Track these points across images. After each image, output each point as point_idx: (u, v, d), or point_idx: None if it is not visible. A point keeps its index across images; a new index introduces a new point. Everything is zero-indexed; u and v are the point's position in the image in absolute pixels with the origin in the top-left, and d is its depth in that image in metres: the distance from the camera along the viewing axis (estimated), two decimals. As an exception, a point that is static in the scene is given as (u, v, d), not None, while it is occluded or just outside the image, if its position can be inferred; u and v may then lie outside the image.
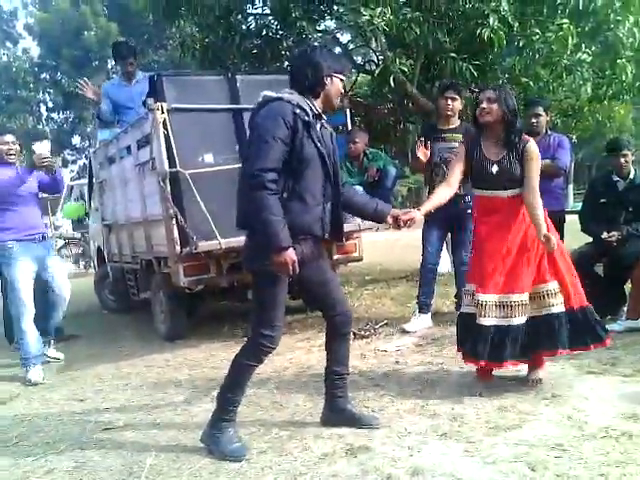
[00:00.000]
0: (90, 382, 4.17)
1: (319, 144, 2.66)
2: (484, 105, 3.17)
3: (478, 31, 5.84)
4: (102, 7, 23.99)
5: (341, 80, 2.77)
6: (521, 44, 6.16)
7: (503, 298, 3.13)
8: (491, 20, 5.77)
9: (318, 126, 2.71)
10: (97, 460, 2.78)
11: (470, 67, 6.14)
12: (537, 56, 6.24)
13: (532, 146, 3.19)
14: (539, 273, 3.18)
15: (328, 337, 2.90)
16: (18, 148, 4.58)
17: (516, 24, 5.97)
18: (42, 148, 4.39)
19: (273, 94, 2.68)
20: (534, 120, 4.75)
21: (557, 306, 3.14)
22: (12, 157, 4.47)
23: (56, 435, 3.15)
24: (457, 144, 4.29)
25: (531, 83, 6.44)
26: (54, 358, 4.85)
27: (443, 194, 3.30)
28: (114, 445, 2.93)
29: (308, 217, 2.65)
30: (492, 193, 3.24)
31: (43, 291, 4.62)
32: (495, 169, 3.20)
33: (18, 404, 3.81)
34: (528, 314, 3.14)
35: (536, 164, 3.19)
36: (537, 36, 6.03)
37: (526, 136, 3.27)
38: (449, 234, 5.04)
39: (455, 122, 4.73)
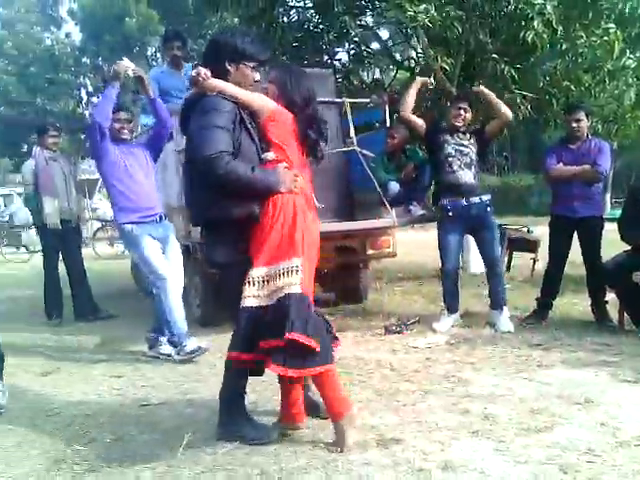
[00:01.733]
0: (128, 360, 4.28)
1: (256, 137, 2.57)
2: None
3: (521, 34, 5.81)
4: (143, -6, 24.34)
5: (252, 68, 2.60)
6: (564, 47, 6.10)
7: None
8: (535, 23, 5.73)
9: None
10: (134, 434, 2.87)
11: (511, 69, 6.11)
12: (580, 60, 6.18)
13: None
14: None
15: None
16: (131, 126, 4.38)
17: (560, 28, 5.91)
18: (125, 62, 3.94)
19: None
20: (575, 125, 4.71)
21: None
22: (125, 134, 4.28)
23: (95, 408, 3.26)
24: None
25: (572, 87, 6.37)
26: (165, 355, 4.26)
27: None
28: (150, 421, 3.03)
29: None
30: None
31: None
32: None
33: (59, 378, 3.93)
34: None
35: None
36: (581, 40, 5.96)
37: None
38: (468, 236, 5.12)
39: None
